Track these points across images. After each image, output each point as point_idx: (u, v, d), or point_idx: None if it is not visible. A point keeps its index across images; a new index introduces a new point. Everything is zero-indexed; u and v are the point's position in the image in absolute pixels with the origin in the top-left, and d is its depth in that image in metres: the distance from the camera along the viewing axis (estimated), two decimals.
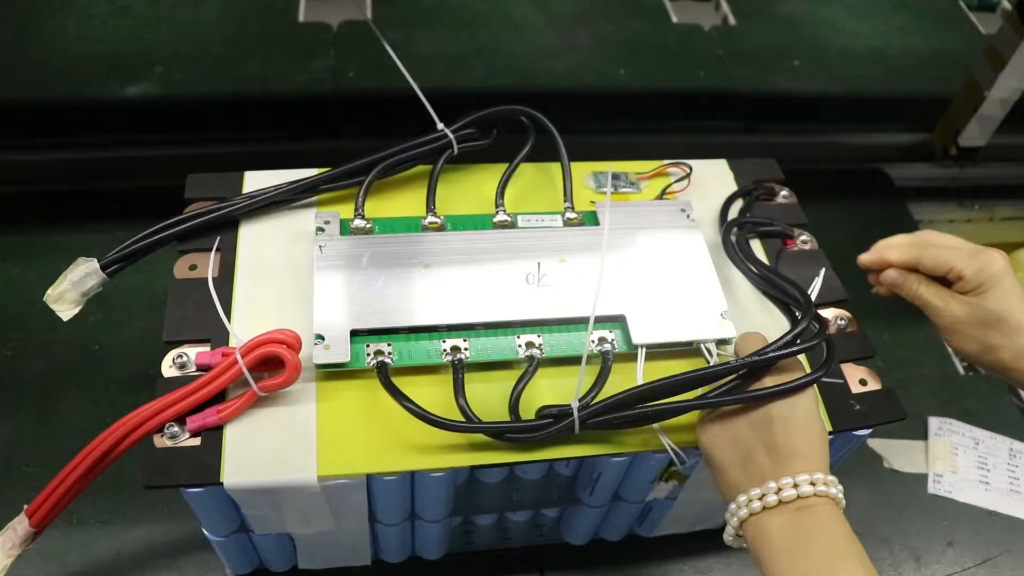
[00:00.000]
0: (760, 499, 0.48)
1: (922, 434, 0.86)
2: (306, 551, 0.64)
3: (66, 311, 0.60)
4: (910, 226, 1.07)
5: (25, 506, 0.55)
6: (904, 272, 0.61)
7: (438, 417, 0.52)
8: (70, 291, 0.60)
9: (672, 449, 0.55)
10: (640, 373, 0.57)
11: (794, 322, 0.58)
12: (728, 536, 0.50)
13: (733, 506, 0.49)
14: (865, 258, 0.64)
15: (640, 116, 1.11)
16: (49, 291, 0.59)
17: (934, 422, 0.87)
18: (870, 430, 0.59)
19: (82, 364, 0.80)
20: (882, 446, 0.85)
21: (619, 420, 0.54)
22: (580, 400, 0.53)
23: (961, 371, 0.95)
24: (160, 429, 0.53)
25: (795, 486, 0.47)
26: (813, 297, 0.63)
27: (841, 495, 0.49)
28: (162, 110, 1.00)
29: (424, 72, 1.07)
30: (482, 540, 0.70)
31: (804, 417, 0.50)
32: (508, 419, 0.54)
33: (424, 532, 0.64)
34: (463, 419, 0.53)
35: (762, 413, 0.50)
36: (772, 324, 0.62)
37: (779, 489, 0.47)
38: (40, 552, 0.67)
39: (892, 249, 0.62)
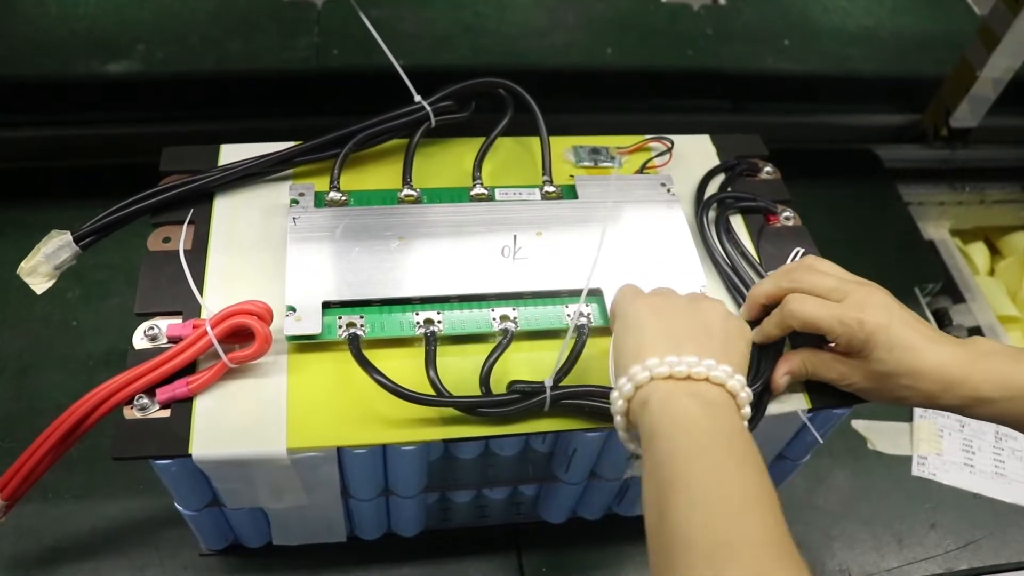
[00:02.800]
0: (673, 366, 0.46)
1: (907, 416, 0.86)
2: (280, 527, 0.63)
3: (39, 284, 0.60)
4: (899, 208, 1.06)
5: None
6: (790, 363, 0.56)
7: (407, 390, 0.51)
8: (43, 264, 0.59)
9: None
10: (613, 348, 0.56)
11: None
12: (617, 404, 0.47)
13: (638, 367, 0.46)
14: (744, 313, 0.59)
15: (628, 95, 1.10)
16: (23, 264, 0.59)
17: None
18: (851, 407, 0.58)
19: (60, 340, 0.79)
20: (866, 427, 0.84)
21: (589, 408, 0.53)
22: (555, 375, 0.53)
23: None
24: (130, 401, 0.52)
25: (719, 376, 0.46)
26: None
27: (748, 409, 0.48)
28: (145, 88, 1.00)
29: (409, 50, 1.07)
30: (459, 517, 0.69)
31: (742, 333, 0.50)
32: (480, 392, 0.53)
33: (399, 508, 0.63)
34: (434, 392, 0.52)
35: (703, 315, 0.49)
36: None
37: (701, 364, 0.46)
38: (15, 528, 0.67)
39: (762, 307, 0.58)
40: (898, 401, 0.54)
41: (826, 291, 0.54)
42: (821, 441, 0.60)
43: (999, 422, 0.53)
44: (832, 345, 0.55)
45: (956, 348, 0.52)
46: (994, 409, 0.51)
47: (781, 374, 0.56)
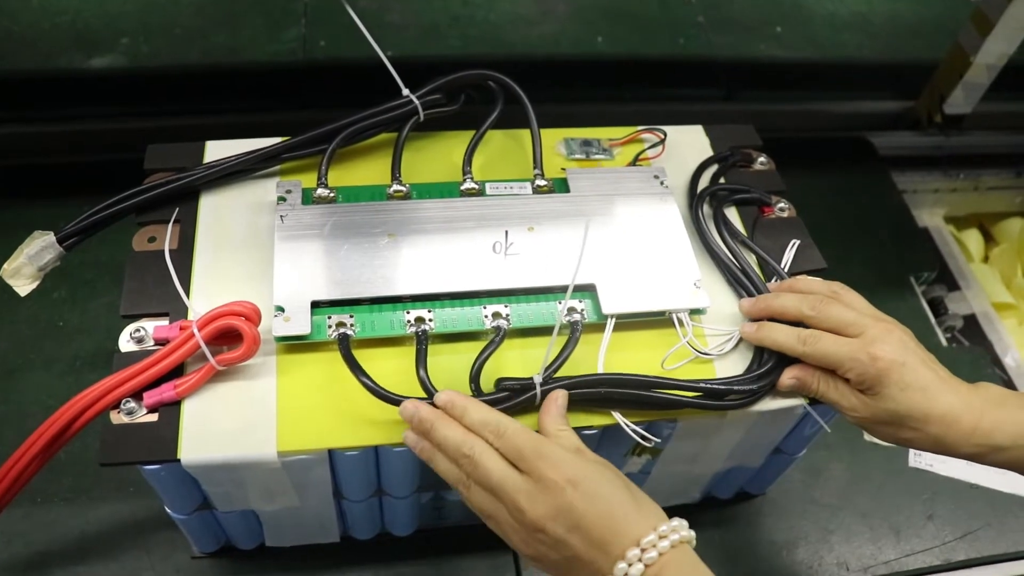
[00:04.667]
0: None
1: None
2: (273, 528, 0.62)
3: (23, 286, 0.59)
4: (893, 195, 1.06)
5: None
6: (804, 372, 0.55)
7: (391, 393, 0.51)
8: (27, 266, 0.58)
9: (635, 431, 0.53)
10: (605, 344, 0.56)
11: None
12: None
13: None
14: (748, 305, 0.59)
15: (618, 85, 1.09)
16: (5, 266, 0.58)
17: None
18: None
19: (46, 341, 0.78)
20: None
21: (579, 397, 0.53)
22: (545, 372, 0.52)
23: (944, 343, 0.94)
24: (116, 405, 0.51)
25: (626, 572, 0.44)
26: (786, 266, 0.62)
27: (679, 535, 0.45)
28: (129, 82, 0.98)
29: (397, 41, 1.06)
30: (454, 516, 0.69)
31: (604, 495, 0.46)
32: (470, 391, 0.53)
33: (393, 508, 0.63)
34: (423, 393, 0.52)
35: (559, 528, 0.45)
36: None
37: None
38: (3, 532, 0.66)
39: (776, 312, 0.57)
40: (904, 442, 0.53)
41: (844, 325, 0.54)
42: (828, 429, 0.59)
43: (1012, 469, 0.52)
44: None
45: (969, 394, 0.52)
46: (1007, 456, 0.51)
47: (790, 376, 0.56)
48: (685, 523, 0.46)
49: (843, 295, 0.57)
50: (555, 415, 0.51)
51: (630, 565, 0.44)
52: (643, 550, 0.44)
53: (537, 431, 0.50)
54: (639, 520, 0.45)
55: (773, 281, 0.61)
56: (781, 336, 0.55)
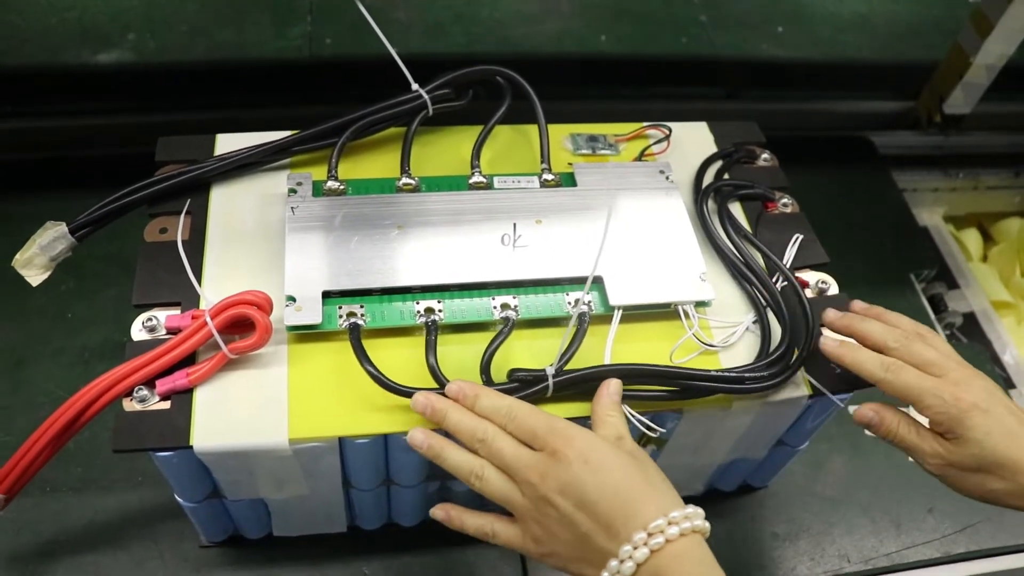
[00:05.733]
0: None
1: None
2: (280, 518, 0.63)
3: (35, 276, 0.59)
4: (894, 194, 1.07)
5: None
6: (885, 410, 0.54)
7: (397, 384, 0.52)
8: (39, 256, 0.59)
9: (642, 422, 0.54)
10: (612, 336, 0.56)
11: (748, 296, 0.60)
12: None
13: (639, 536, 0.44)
14: (834, 317, 0.57)
15: (622, 83, 1.10)
16: (18, 256, 0.58)
17: None
18: (849, 394, 0.58)
19: (55, 332, 0.78)
20: None
21: (592, 388, 0.53)
22: (558, 363, 0.53)
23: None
24: (129, 393, 0.52)
25: (631, 556, 0.43)
26: (789, 260, 0.63)
27: (691, 524, 0.44)
28: (136, 78, 0.99)
29: (402, 38, 1.06)
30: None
31: (616, 474, 0.46)
32: (481, 382, 0.53)
33: (400, 498, 0.63)
34: (433, 382, 0.52)
35: (568, 502, 0.46)
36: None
37: (621, 561, 0.44)
38: (12, 521, 0.67)
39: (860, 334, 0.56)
40: (989, 495, 0.51)
41: (927, 363, 0.52)
42: (841, 405, 0.58)
43: None
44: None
45: None
46: None
47: (871, 409, 0.54)
48: (701, 512, 0.45)
49: (928, 336, 0.55)
50: (606, 402, 0.51)
51: (635, 549, 0.43)
52: (650, 534, 0.43)
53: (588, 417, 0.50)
54: (650, 503, 0.45)
55: (775, 278, 0.61)
56: (865, 357, 0.54)
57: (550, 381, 0.52)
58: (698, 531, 0.45)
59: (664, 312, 0.59)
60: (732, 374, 0.55)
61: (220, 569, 0.67)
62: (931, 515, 0.78)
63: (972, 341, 0.99)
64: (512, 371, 0.53)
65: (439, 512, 0.52)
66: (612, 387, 0.52)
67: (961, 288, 1.04)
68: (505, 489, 0.48)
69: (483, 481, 0.49)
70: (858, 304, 0.56)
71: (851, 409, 0.56)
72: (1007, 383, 0.95)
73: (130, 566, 0.66)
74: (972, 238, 1.16)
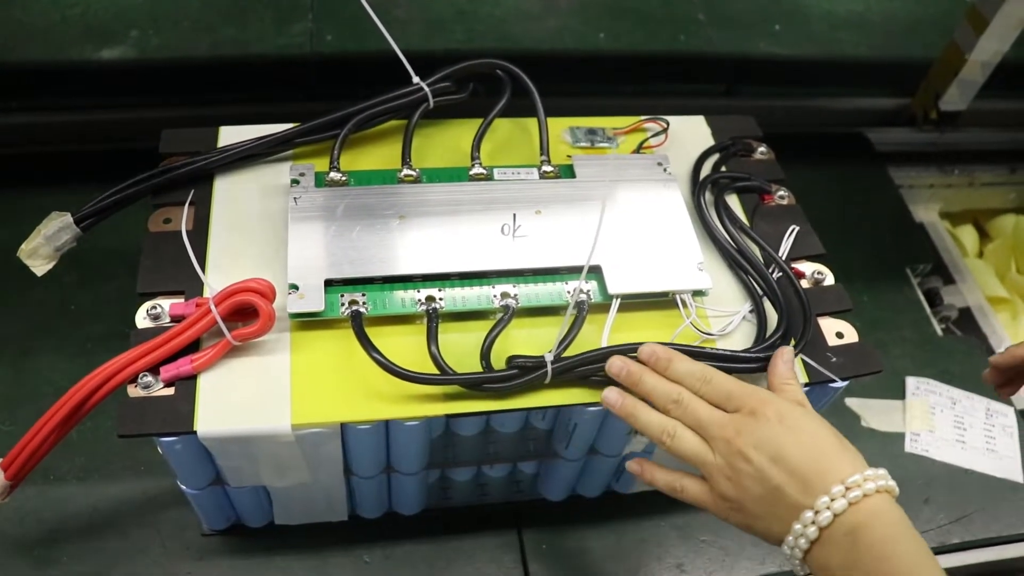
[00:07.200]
0: (802, 536, 0.45)
1: (900, 394, 0.87)
2: (282, 506, 0.64)
3: (40, 266, 0.60)
4: (890, 190, 1.07)
5: (0, 459, 0.55)
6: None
7: (403, 369, 0.52)
8: (44, 246, 0.59)
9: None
10: (609, 323, 0.57)
11: (745, 285, 0.61)
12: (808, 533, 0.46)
13: (786, 549, 0.47)
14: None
15: (621, 80, 1.10)
16: (23, 246, 0.59)
17: (912, 382, 0.88)
18: (845, 382, 0.59)
19: (59, 323, 0.79)
20: (860, 405, 0.85)
21: (590, 372, 0.54)
22: (556, 349, 0.54)
23: (939, 333, 0.96)
24: (134, 379, 0.52)
25: (828, 507, 0.45)
26: (785, 252, 0.63)
27: (886, 483, 0.46)
28: (139, 74, 0.99)
29: (403, 35, 1.06)
30: (459, 496, 0.70)
31: (810, 432, 0.48)
32: (480, 368, 0.54)
33: (401, 486, 0.64)
34: (435, 368, 0.53)
35: (763, 456, 0.47)
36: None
37: (817, 512, 0.45)
38: (16, 510, 0.67)
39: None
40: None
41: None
42: (841, 384, 0.58)
43: None
44: None
45: None
46: None
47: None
48: (887, 473, 0.47)
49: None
50: (783, 370, 0.53)
51: (833, 500, 0.45)
52: (848, 488, 0.45)
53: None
54: (845, 460, 0.46)
55: (771, 269, 0.62)
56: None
57: (549, 367, 0.53)
58: (888, 490, 0.46)
59: (662, 301, 0.59)
60: (729, 352, 0.56)
61: (221, 557, 0.67)
62: (927, 506, 0.78)
63: (968, 336, 1.00)
64: (511, 358, 0.54)
65: (634, 466, 0.54)
66: (787, 355, 0.53)
67: (957, 284, 1.04)
68: (697, 448, 0.49)
69: (675, 439, 0.50)
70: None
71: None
72: None
73: (132, 553, 0.67)
74: (968, 234, 1.17)
